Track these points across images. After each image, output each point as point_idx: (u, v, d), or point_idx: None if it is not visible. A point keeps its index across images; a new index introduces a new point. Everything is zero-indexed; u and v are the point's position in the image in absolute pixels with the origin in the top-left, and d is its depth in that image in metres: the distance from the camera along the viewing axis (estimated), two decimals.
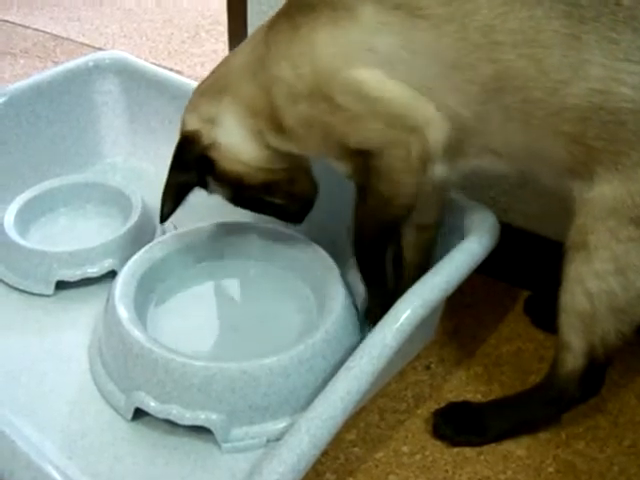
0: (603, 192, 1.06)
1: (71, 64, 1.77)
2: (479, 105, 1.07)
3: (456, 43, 1.05)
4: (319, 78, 1.11)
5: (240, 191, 1.29)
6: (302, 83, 1.12)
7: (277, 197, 1.30)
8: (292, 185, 1.30)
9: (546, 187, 1.17)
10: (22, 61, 2.55)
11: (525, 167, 1.16)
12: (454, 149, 1.14)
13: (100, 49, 2.61)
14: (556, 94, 1.02)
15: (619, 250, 1.07)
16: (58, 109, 1.73)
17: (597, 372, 1.19)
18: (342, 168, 1.22)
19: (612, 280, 1.09)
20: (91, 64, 1.77)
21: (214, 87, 1.25)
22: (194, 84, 1.69)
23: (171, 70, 2.31)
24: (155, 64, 1.82)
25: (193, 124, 1.25)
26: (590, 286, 1.10)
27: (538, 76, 1.02)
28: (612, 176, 1.05)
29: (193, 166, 1.26)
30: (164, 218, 1.28)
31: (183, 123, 1.28)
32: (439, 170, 1.16)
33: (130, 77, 1.77)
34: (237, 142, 1.24)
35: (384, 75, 1.09)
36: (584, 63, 1.00)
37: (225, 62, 1.28)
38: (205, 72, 2.45)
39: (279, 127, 1.18)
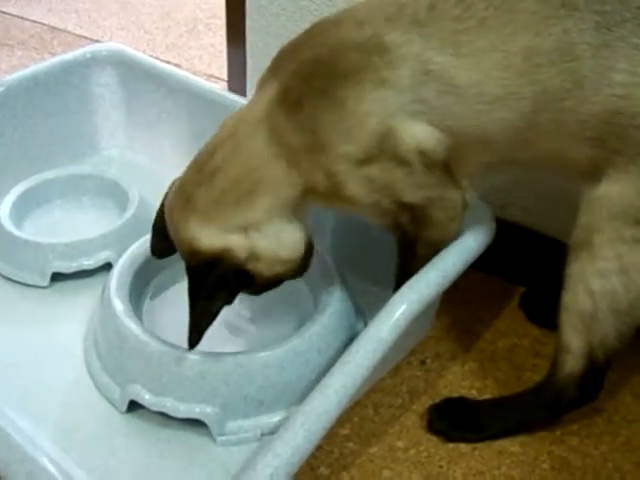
0: (611, 193, 1.06)
1: (68, 56, 1.77)
2: (514, 130, 1.07)
3: (500, 74, 1.03)
4: (380, 142, 1.07)
5: (270, 285, 1.20)
6: (365, 150, 1.07)
7: (298, 274, 1.23)
8: (309, 252, 1.21)
9: (548, 185, 1.18)
10: (19, 53, 2.55)
11: (542, 171, 1.18)
12: (482, 172, 1.16)
13: (97, 41, 2.60)
14: (585, 102, 1.02)
15: (623, 250, 1.07)
16: (55, 101, 1.72)
17: (596, 375, 1.19)
18: (381, 222, 1.20)
19: (615, 280, 1.09)
20: (88, 56, 1.77)
21: (237, 190, 1.09)
22: (192, 77, 1.71)
23: (169, 63, 2.32)
24: (153, 57, 1.82)
25: (216, 240, 1.10)
26: (593, 285, 1.10)
27: (572, 88, 1.02)
28: (622, 177, 1.05)
29: (228, 287, 1.12)
30: (194, 346, 1.12)
31: (196, 242, 1.10)
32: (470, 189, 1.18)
33: (128, 69, 1.76)
34: (277, 241, 1.13)
35: (433, 127, 1.07)
36: (609, 70, 1.00)
37: (235, 155, 1.11)
38: (203, 66, 2.50)
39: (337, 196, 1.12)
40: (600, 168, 1.06)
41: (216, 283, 1.10)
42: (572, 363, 1.16)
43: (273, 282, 1.20)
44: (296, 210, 1.14)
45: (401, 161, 1.09)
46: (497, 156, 1.12)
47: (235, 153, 1.11)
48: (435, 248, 1.22)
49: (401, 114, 1.06)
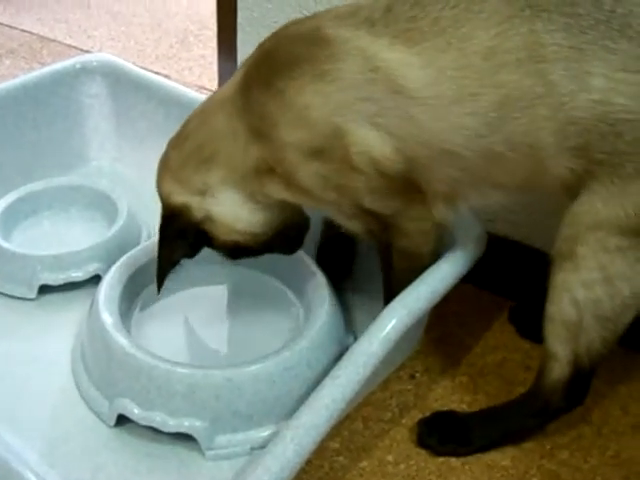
0: (594, 204, 1.06)
1: (58, 66, 1.77)
2: (480, 140, 1.06)
3: (455, 73, 1.03)
4: (327, 138, 1.09)
5: (238, 252, 1.28)
6: (308, 143, 1.10)
7: (275, 246, 1.29)
8: (288, 232, 1.28)
9: (537, 199, 1.18)
10: (8, 62, 2.54)
11: (521, 191, 1.16)
12: (456, 192, 1.15)
13: (87, 52, 2.60)
14: (562, 109, 1.01)
15: (606, 260, 1.08)
16: (44, 111, 1.72)
17: (582, 381, 1.19)
18: (353, 227, 1.22)
19: (599, 289, 1.09)
20: (78, 66, 1.77)
21: (198, 155, 1.19)
22: (182, 89, 1.71)
23: (159, 74, 2.31)
24: (143, 68, 1.82)
25: (179, 196, 1.20)
26: (577, 295, 1.11)
27: (545, 92, 1.01)
28: (605, 189, 1.05)
29: (187, 241, 1.23)
30: (161, 290, 1.27)
31: (164, 194, 1.23)
32: (445, 211, 1.18)
33: (117, 80, 1.76)
34: (234, 211, 1.20)
35: (389, 135, 1.07)
36: (586, 75, 0.99)
37: (199, 125, 1.21)
38: (193, 77, 2.50)
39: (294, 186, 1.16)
40: (582, 180, 1.06)
41: (176, 234, 1.23)
42: (558, 371, 1.17)
43: (238, 249, 1.26)
44: (255, 192, 1.19)
45: (352, 166, 1.10)
46: (469, 174, 1.11)
47: (202, 124, 1.20)
48: (411, 259, 1.23)
49: (349, 114, 1.07)
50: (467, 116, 1.04)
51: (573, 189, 1.08)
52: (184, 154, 1.20)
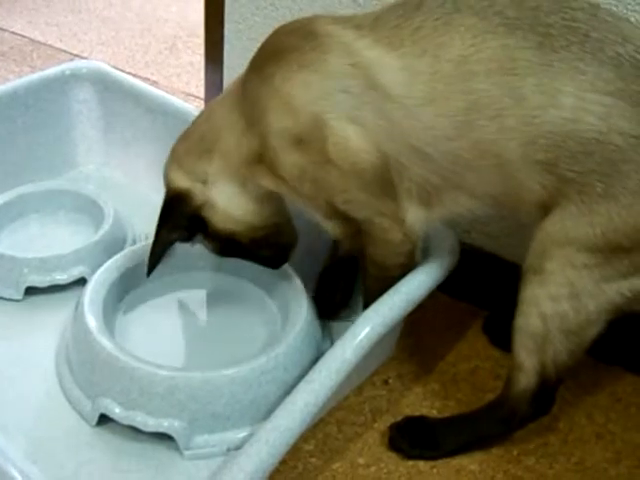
0: (564, 222, 1.10)
1: (48, 72, 1.79)
2: (449, 142, 1.10)
3: (429, 77, 1.08)
4: (308, 127, 1.13)
5: (229, 246, 1.32)
6: (292, 130, 1.14)
7: (264, 249, 1.33)
8: (278, 237, 1.33)
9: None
10: None
11: (494, 203, 1.19)
12: (431, 196, 1.18)
13: (77, 56, 2.62)
14: (531, 122, 1.05)
15: (574, 276, 1.11)
16: (33, 116, 1.74)
17: (548, 392, 1.23)
18: (330, 228, 1.26)
19: (565, 303, 1.13)
20: (68, 72, 1.79)
21: (201, 145, 1.25)
22: (170, 98, 1.73)
23: (147, 80, 2.34)
24: (131, 74, 1.84)
25: (182, 182, 1.26)
26: (544, 308, 1.15)
27: (513, 104, 1.05)
28: (575, 207, 1.08)
29: (184, 225, 1.28)
30: (151, 271, 1.30)
31: (169, 180, 1.28)
32: (420, 219, 1.21)
33: (106, 87, 1.79)
34: (231, 200, 1.26)
35: (367, 131, 1.12)
36: (557, 91, 1.03)
37: (205, 118, 1.28)
38: (181, 84, 2.52)
39: (276, 174, 1.21)
40: (553, 197, 1.10)
41: (175, 217, 1.27)
42: (525, 381, 1.21)
43: (231, 241, 1.29)
44: (248, 181, 1.24)
45: (329, 159, 1.14)
46: (440, 177, 1.14)
47: (207, 116, 1.28)
48: (381, 269, 1.27)
49: (329, 105, 1.12)
50: (436, 117, 1.09)
51: (545, 206, 1.12)
52: (189, 144, 1.27)
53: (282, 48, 1.15)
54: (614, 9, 1.25)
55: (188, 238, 1.31)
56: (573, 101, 1.03)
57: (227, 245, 1.31)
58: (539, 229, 1.14)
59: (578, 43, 1.03)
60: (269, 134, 1.16)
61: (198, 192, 1.25)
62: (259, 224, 1.29)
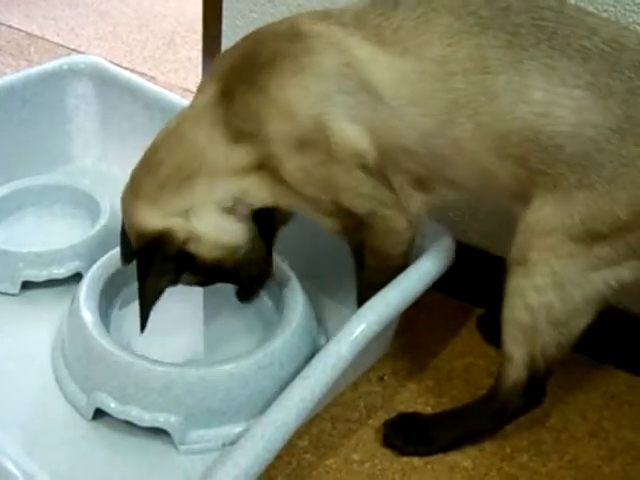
0: (543, 212, 1.11)
1: (46, 66, 1.79)
2: (431, 140, 1.12)
3: (415, 77, 1.09)
4: (311, 130, 1.12)
5: (213, 274, 1.26)
6: (295, 135, 1.13)
7: (247, 268, 1.28)
8: (256, 253, 1.27)
9: (506, 211, 1.23)
10: None
11: (477, 194, 1.23)
12: (423, 185, 1.19)
13: (74, 50, 2.62)
14: (503, 118, 1.07)
15: (558, 265, 1.13)
16: (31, 110, 1.74)
17: (538, 383, 1.24)
18: (328, 225, 1.25)
19: (551, 294, 1.14)
20: (65, 67, 1.79)
21: (178, 176, 1.17)
22: (167, 93, 1.73)
23: (145, 75, 2.34)
24: (129, 69, 1.85)
25: (157, 222, 1.17)
26: (530, 300, 1.16)
27: (487, 102, 1.07)
28: (552, 197, 1.10)
29: (172, 267, 1.20)
30: (145, 325, 1.20)
31: (139, 223, 1.19)
32: (420, 204, 1.22)
33: (104, 82, 1.79)
34: (217, 225, 1.19)
35: (364, 128, 1.12)
36: (527, 88, 1.05)
37: (175, 143, 1.19)
38: (178, 79, 2.52)
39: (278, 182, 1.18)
40: (528, 188, 1.12)
41: (159, 263, 1.18)
42: (515, 373, 1.22)
43: (217, 269, 1.24)
44: (237, 204, 1.19)
45: (333, 157, 1.14)
46: (427, 170, 1.16)
47: (178, 144, 1.18)
48: (383, 260, 1.27)
49: (329, 105, 1.11)
50: (421, 117, 1.11)
51: (522, 197, 1.13)
52: (160, 178, 1.18)
53: (272, 55, 1.13)
54: (611, 9, 1.26)
55: (176, 281, 1.23)
56: (543, 96, 1.05)
57: (211, 274, 1.27)
58: (521, 221, 1.15)
59: (546, 40, 1.06)
60: (270, 142, 1.14)
61: (179, 228, 1.17)
62: (245, 243, 1.24)
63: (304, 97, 1.12)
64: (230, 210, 1.20)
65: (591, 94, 1.04)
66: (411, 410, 1.36)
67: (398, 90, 1.10)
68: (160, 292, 1.20)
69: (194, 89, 2.35)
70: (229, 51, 1.21)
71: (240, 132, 1.15)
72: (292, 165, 1.15)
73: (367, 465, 1.27)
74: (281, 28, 1.17)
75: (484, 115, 1.08)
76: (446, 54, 1.08)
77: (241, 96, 1.14)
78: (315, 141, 1.13)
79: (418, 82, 1.09)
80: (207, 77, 1.22)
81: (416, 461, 1.28)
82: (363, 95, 1.11)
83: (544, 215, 1.11)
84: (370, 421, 1.34)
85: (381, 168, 1.16)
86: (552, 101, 1.05)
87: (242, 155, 1.16)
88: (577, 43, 1.05)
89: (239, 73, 1.15)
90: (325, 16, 1.16)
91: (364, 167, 1.15)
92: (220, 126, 1.16)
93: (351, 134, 1.12)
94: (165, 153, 1.19)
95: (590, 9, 1.24)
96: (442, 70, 1.08)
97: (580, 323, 1.17)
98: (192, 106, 1.21)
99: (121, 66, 1.94)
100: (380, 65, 1.10)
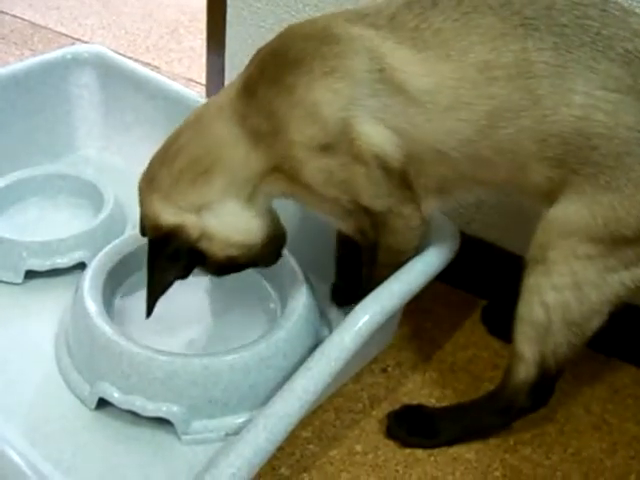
0: (568, 212, 1.11)
1: (49, 56, 1.79)
2: (470, 144, 1.10)
3: (454, 83, 1.07)
4: (336, 133, 1.11)
5: (226, 268, 1.26)
6: (318, 138, 1.12)
7: (259, 261, 1.28)
8: (273, 243, 1.27)
9: (511, 203, 1.23)
10: None
11: (504, 193, 1.22)
12: (444, 188, 1.19)
13: (78, 39, 2.62)
14: (544, 122, 1.06)
15: (577, 266, 1.12)
16: (34, 99, 1.74)
17: (548, 383, 1.24)
18: (345, 224, 1.25)
19: (568, 294, 1.14)
20: (69, 56, 1.78)
21: (195, 170, 1.15)
22: (171, 83, 1.72)
23: (148, 65, 2.34)
24: (133, 58, 1.84)
25: (171, 217, 1.16)
26: (547, 298, 1.15)
27: (530, 105, 1.06)
28: (578, 198, 1.09)
29: (183, 264, 1.19)
30: (151, 312, 1.21)
31: (154, 215, 1.17)
32: (433, 205, 1.23)
33: (107, 72, 1.78)
34: (231, 224, 1.19)
35: (391, 131, 1.11)
36: (569, 91, 1.04)
37: (194, 136, 1.17)
38: (182, 69, 2.52)
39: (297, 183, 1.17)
40: (558, 188, 1.11)
41: (169, 257, 1.18)
42: (525, 371, 1.21)
43: (229, 265, 1.24)
44: (255, 196, 1.19)
45: (357, 158, 1.12)
46: (457, 172, 1.15)
47: (197, 135, 1.17)
48: (396, 255, 1.27)
49: (357, 109, 1.10)
50: (461, 122, 1.09)
51: (549, 196, 1.13)
52: (176, 171, 1.16)
53: (301, 55, 1.11)
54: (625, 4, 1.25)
55: (186, 274, 1.23)
56: (584, 99, 1.04)
57: (223, 269, 1.26)
58: (543, 219, 1.14)
59: (590, 42, 1.04)
60: (293, 144, 1.12)
61: (192, 225, 1.16)
62: (258, 241, 1.22)
63: (333, 101, 1.10)
64: (245, 207, 1.19)
65: (629, 97, 1.03)
66: (415, 402, 1.36)
67: (435, 96, 1.08)
68: (168, 285, 1.20)
69: (198, 79, 2.39)
70: (263, 46, 1.19)
71: (258, 130, 1.14)
72: (313, 166, 1.14)
73: (370, 456, 1.27)
74: (313, 28, 1.15)
75: (526, 118, 1.07)
76: (489, 59, 1.06)
77: (264, 94, 1.12)
78: (340, 143, 1.12)
79: (458, 88, 1.08)
80: (239, 75, 1.20)
81: (419, 452, 1.28)
82: (395, 100, 1.09)
83: (568, 215, 1.11)
84: (373, 412, 1.34)
85: (404, 170, 1.15)
86: (591, 104, 1.04)
87: (262, 154, 1.15)
88: (620, 46, 1.04)
89: (263, 71, 1.14)
90: (359, 17, 1.13)
91: (386, 169, 1.14)
92: (240, 122, 1.14)
93: (377, 138, 1.11)
94: (184, 143, 1.17)
95: (634, 7, 1.23)
96: (484, 76, 1.06)
97: (594, 323, 1.17)
98: (217, 96, 1.21)
99: (125, 56, 1.94)
100: (416, 70, 1.08)
